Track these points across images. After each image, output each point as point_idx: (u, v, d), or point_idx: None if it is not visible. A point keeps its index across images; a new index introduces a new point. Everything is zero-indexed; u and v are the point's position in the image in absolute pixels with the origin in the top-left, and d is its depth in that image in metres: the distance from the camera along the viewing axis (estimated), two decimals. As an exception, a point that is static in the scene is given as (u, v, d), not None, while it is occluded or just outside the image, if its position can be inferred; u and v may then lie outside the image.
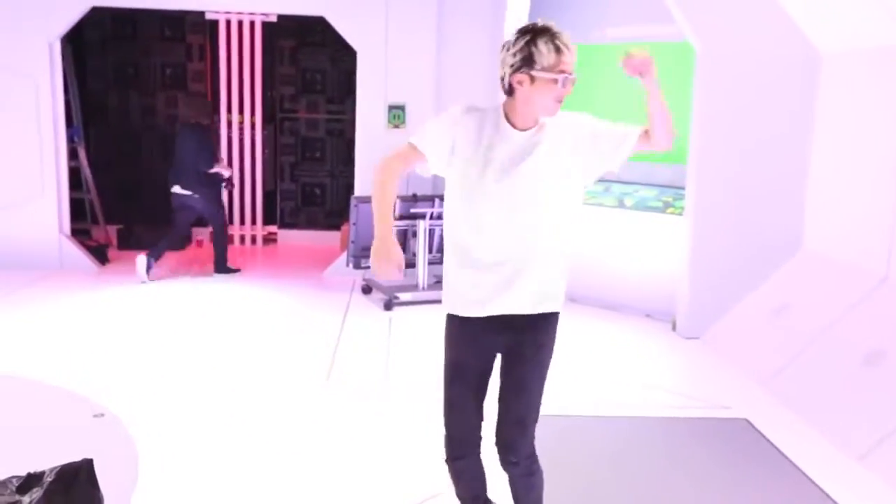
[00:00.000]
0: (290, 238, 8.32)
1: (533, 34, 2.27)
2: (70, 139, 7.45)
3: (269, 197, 8.30)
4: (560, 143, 2.36)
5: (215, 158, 6.64)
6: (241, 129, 8.06)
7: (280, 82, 8.19)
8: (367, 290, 6.29)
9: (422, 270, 6.09)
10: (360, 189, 6.82)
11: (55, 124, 6.60)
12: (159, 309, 5.72)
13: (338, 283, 6.57)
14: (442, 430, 2.50)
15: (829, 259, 4.88)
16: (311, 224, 8.39)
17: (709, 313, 5.28)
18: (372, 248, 2.30)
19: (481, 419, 2.50)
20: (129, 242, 7.67)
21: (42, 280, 6.28)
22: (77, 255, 6.75)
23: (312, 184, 8.38)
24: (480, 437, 2.52)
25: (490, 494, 2.64)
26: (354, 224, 6.04)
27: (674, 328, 5.49)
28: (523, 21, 6.14)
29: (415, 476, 3.24)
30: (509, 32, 6.71)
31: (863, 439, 3.58)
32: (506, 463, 2.48)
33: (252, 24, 7.87)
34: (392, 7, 6.61)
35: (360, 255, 6.10)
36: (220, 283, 6.54)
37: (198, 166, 6.46)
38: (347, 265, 6.20)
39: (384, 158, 2.44)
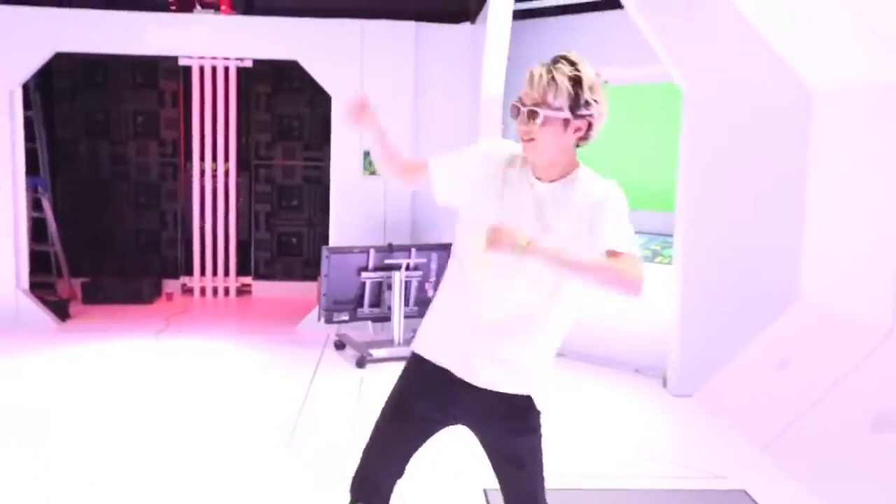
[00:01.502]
0: (265, 290, 7.97)
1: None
2: (34, 189, 7.19)
3: (243, 247, 7.98)
4: (578, 212, 2.01)
5: None
6: (214, 177, 7.78)
7: (255, 129, 7.94)
8: (340, 345, 5.93)
9: (397, 325, 5.74)
10: (334, 239, 6.51)
11: (14, 174, 6.30)
12: (114, 368, 5.34)
13: (311, 338, 6.21)
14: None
15: (829, 310, 4.56)
16: (288, 275, 8.05)
17: (701, 369, 4.94)
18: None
19: (399, 467, 2.18)
20: (95, 296, 7.32)
21: (-4, 337, 5.92)
22: (35, 311, 6.39)
23: (289, 233, 8.07)
24: (390, 489, 2.18)
25: None
26: (326, 276, 5.71)
27: (664, 385, 5.14)
28: (501, 67, 5.91)
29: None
30: (487, 78, 6.48)
31: (875, 515, 3.22)
32: None
33: (227, 69, 7.64)
34: (367, 51, 6.39)
35: (332, 309, 5.77)
36: (188, 340, 6.18)
37: None
38: (319, 319, 5.85)
39: None
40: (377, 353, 5.53)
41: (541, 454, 2.18)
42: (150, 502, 3.33)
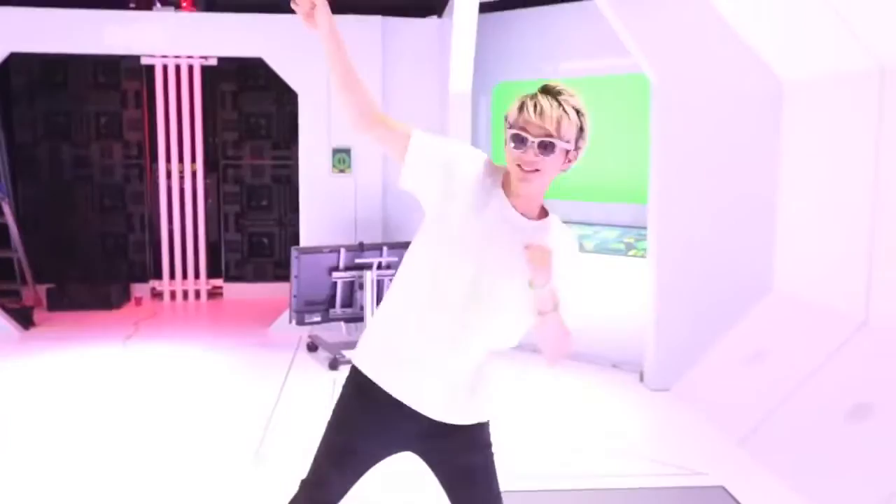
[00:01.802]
0: (237, 292, 7.82)
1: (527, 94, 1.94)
2: (-7, 194, 7.00)
3: (213, 249, 7.83)
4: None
5: None
6: (181, 178, 7.61)
7: (222, 128, 7.79)
8: (312, 347, 5.83)
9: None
10: (305, 239, 6.39)
11: (-29, 179, 6.11)
12: (79, 376, 5.19)
13: (283, 341, 6.10)
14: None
15: (802, 301, 4.53)
16: (259, 276, 7.91)
17: (678, 363, 4.90)
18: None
19: (343, 495, 2.10)
20: (61, 303, 7.14)
21: (-44, 349, 5.74)
22: (-3, 319, 6.22)
23: (259, 233, 7.93)
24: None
25: None
26: (297, 277, 5.59)
27: (641, 379, 5.09)
28: (469, 61, 5.82)
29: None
30: (455, 71, 6.38)
31: (853, 508, 3.19)
32: None
33: (191, 68, 7.47)
34: (333, 46, 6.26)
35: (303, 311, 5.65)
36: (156, 345, 6.03)
37: None
38: (290, 321, 5.74)
39: None
40: (350, 354, 5.41)
41: (494, 468, 2.09)
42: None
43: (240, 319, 6.91)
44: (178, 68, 7.44)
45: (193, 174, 7.63)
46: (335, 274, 5.63)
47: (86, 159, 7.70)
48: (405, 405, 1.97)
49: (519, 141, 1.89)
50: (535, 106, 1.88)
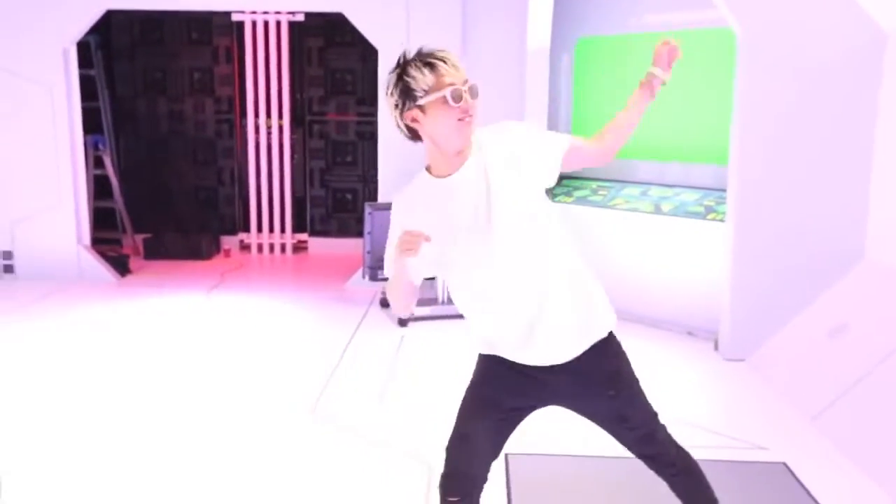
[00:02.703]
0: (321, 246, 7.99)
1: (401, 66, 1.99)
2: (95, 147, 7.35)
3: (298, 203, 8.00)
4: (496, 165, 2.03)
5: None
6: (269, 134, 7.79)
7: (308, 84, 7.89)
8: (385, 303, 5.89)
9: (441, 283, 5.65)
10: (383, 195, 6.43)
11: (71, 132, 6.43)
12: (162, 323, 5.45)
13: (359, 296, 6.20)
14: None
15: (895, 272, 4.21)
16: (343, 231, 8.04)
17: (755, 332, 4.67)
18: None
19: (495, 457, 2.17)
20: (156, 252, 7.49)
21: (57, 292, 6.11)
22: (96, 266, 6.58)
23: (343, 189, 8.04)
24: (486, 477, 2.17)
25: None
26: (369, 233, 5.65)
27: (716, 348, 4.89)
28: (548, 18, 5.63)
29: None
30: (533, 28, 6.24)
31: (924, 495, 2.97)
32: (663, 475, 2.33)
33: (278, 24, 7.58)
34: (413, 3, 6.20)
35: (376, 267, 5.70)
36: (238, 296, 6.25)
37: None
38: (364, 277, 5.81)
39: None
40: (420, 311, 5.45)
41: (636, 381, 2.26)
42: (177, 450, 3.41)
43: (321, 274, 7.06)
44: (266, 24, 7.56)
45: (280, 129, 7.79)
46: (408, 231, 5.63)
47: (180, 114, 7.98)
48: (539, 366, 2.09)
49: (457, 96, 1.94)
50: (443, 60, 1.97)
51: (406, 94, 1.98)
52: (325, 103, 7.91)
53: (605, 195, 5.67)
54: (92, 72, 7.43)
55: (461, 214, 2.02)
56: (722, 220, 4.91)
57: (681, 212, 5.23)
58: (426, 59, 1.97)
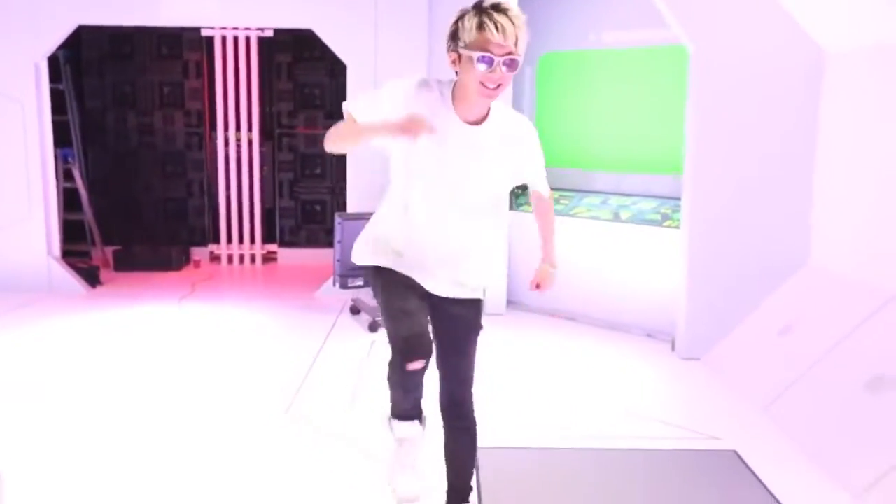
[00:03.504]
0: (291, 257, 8.12)
1: (469, 10, 2.14)
2: (64, 160, 7.41)
3: (268, 215, 8.13)
4: (502, 149, 2.31)
5: None
6: (238, 147, 7.91)
7: (278, 98, 8.04)
8: (355, 310, 6.05)
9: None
10: (352, 206, 6.59)
11: (42, 145, 6.49)
12: (134, 333, 5.53)
13: (329, 304, 6.34)
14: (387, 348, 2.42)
15: (837, 275, 4.50)
16: (312, 242, 8.19)
17: (709, 333, 4.93)
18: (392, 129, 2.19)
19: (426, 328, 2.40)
20: (126, 263, 7.56)
21: (29, 304, 6.16)
22: (66, 277, 6.63)
23: (312, 201, 8.19)
24: (431, 344, 2.37)
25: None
26: (339, 242, 5.81)
27: (673, 349, 5.14)
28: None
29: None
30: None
31: (861, 475, 3.22)
32: (454, 422, 2.55)
33: (248, 39, 7.73)
34: (381, 19, 6.41)
35: (346, 275, 5.87)
36: (209, 305, 6.36)
37: None
38: (334, 285, 5.97)
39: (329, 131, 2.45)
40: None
41: (475, 345, 2.53)
42: (155, 456, 3.51)
43: (291, 283, 7.19)
44: (235, 40, 7.70)
45: (250, 142, 7.92)
46: (377, 240, 5.81)
47: (150, 127, 8.07)
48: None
49: (487, 62, 2.07)
50: (497, 26, 2.05)
51: (453, 36, 2.15)
52: (294, 117, 8.07)
53: (566, 204, 5.91)
54: (61, 86, 7.49)
55: (450, 153, 2.25)
56: (677, 228, 5.17)
57: (639, 219, 5.49)
58: (484, 16, 2.08)
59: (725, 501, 3.18)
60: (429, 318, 2.42)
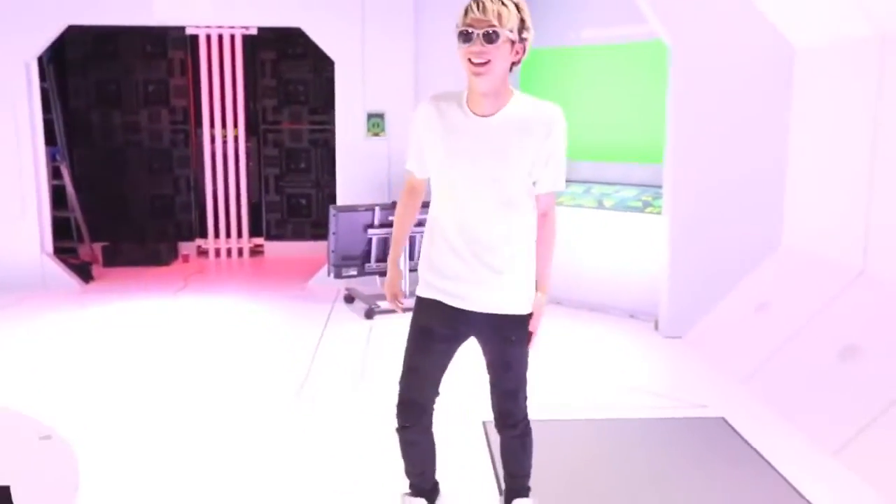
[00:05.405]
0: (277, 250, 8.29)
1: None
2: (52, 158, 7.48)
3: (254, 209, 8.28)
4: (515, 138, 2.30)
5: None
6: (224, 143, 8.05)
7: (262, 94, 8.19)
8: (349, 299, 6.26)
9: (406, 280, 6.05)
10: (341, 199, 6.79)
11: (34, 144, 6.59)
12: (137, 324, 5.68)
13: (322, 293, 6.54)
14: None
15: (808, 255, 4.84)
16: (298, 235, 8.36)
17: (690, 312, 5.24)
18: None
19: (437, 388, 2.53)
20: (115, 260, 7.66)
21: (25, 300, 6.25)
22: (60, 273, 6.73)
23: (297, 195, 8.36)
24: (433, 406, 2.54)
25: (438, 476, 2.74)
26: (334, 234, 6.01)
27: (656, 328, 5.44)
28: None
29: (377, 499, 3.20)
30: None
31: (837, 435, 3.54)
32: (504, 431, 2.61)
33: (232, 37, 7.86)
34: (368, 16, 6.60)
35: (340, 265, 6.08)
36: (205, 298, 6.51)
37: None
38: (329, 275, 6.17)
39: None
40: (384, 304, 5.84)
41: (527, 359, 2.57)
42: (170, 445, 3.67)
43: (281, 275, 7.37)
44: (220, 38, 7.83)
45: (235, 138, 8.06)
46: (370, 231, 6.03)
47: (135, 125, 8.16)
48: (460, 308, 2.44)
49: (465, 36, 2.18)
50: (478, 5, 2.17)
51: (456, 25, 2.22)
52: (278, 113, 8.22)
53: (551, 194, 6.17)
54: (45, 84, 7.54)
55: (461, 145, 2.31)
56: (659, 214, 5.47)
57: (621, 206, 5.78)
58: (471, 2, 2.17)
59: (719, 462, 3.47)
60: (446, 361, 2.50)
